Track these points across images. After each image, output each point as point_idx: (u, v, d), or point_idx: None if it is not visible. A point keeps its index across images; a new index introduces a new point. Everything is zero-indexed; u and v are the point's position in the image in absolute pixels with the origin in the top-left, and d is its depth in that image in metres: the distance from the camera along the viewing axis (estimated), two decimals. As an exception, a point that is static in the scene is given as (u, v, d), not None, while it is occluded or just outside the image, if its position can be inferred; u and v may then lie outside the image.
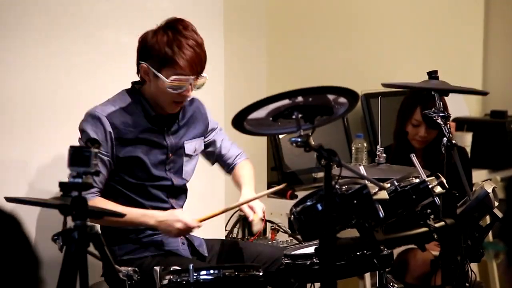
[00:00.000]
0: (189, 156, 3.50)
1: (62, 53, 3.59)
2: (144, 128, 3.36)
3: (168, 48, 3.25)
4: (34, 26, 3.49)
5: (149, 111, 3.36)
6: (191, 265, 2.84)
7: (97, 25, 3.70)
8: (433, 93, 3.21)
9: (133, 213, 3.25)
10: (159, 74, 3.27)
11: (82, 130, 3.31)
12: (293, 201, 2.97)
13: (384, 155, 3.24)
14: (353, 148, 4.68)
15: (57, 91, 3.58)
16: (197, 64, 3.28)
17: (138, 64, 3.36)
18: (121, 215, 2.85)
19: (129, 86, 3.43)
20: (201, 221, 3.29)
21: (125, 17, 3.79)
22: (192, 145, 3.50)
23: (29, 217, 3.39)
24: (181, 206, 3.48)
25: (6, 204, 2.82)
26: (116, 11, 3.76)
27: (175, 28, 3.29)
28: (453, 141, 3.14)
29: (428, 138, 4.32)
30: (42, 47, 3.53)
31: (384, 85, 3.38)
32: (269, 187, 4.55)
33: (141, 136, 3.35)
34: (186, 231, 3.28)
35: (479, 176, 5.12)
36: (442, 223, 2.99)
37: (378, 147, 3.28)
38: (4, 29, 3.42)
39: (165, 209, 3.37)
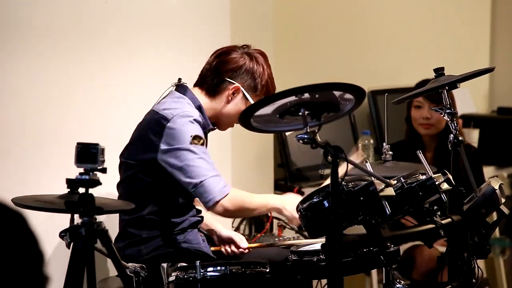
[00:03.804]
0: None
1: (70, 52, 3.60)
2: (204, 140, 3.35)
3: (270, 81, 3.40)
4: (39, 28, 3.51)
5: (209, 124, 3.38)
6: (197, 262, 2.84)
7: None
8: (440, 90, 3.20)
9: (257, 201, 3.31)
10: (251, 99, 3.34)
11: (189, 135, 3.23)
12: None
13: (390, 152, 3.24)
14: (359, 145, 4.68)
15: (67, 88, 3.59)
16: None
17: (223, 80, 3.35)
18: (129, 207, 2.81)
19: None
20: None
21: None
22: None
23: (36, 213, 3.38)
24: None
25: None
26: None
27: (265, 61, 3.42)
28: (460, 138, 3.13)
29: (433, 122, 4.30)
30: (48, 47, 3.54)
31: (394, 100, 3.38)
32: (276, 184, 4.56)
33: None
34: None
35: (486, 173, 5.11)
36: (449, 219, 2.99)
37: (384, 144, 3.27)
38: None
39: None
